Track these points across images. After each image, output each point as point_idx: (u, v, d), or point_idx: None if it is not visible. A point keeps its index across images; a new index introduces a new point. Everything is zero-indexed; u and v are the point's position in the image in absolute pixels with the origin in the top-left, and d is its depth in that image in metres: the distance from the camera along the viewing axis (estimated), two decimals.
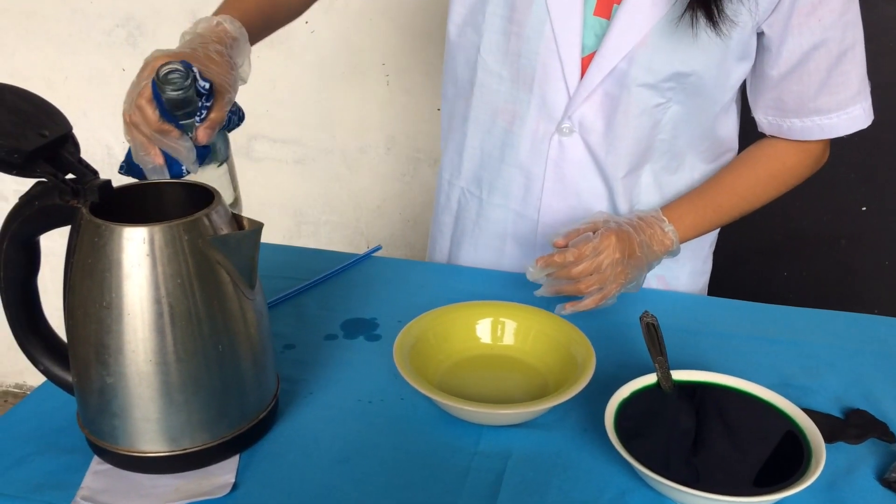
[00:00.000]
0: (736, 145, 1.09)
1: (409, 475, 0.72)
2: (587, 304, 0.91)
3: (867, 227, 1.64)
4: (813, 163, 1.04)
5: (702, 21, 0.86)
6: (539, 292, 0.92)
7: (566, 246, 0.90)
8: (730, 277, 1.31)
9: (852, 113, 0.97)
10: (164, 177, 0.79)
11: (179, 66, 0.74)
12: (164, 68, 0.74)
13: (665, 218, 0.97)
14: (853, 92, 0.96)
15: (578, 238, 0.90)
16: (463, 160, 1.09)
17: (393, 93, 1.84)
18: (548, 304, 0.92)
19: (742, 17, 0.89)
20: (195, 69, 0.76)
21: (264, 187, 2.03)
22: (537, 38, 0.94)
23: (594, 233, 0.91)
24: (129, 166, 0.81)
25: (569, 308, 0.91)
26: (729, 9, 0.86)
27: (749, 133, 1.07)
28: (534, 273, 0.91)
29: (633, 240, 0.92)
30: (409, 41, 1.78)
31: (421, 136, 1.87)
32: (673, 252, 0.98)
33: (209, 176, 0.82)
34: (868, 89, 0.98)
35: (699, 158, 1.05)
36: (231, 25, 0.86)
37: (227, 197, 0.84)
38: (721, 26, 0.86)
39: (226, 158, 0.84)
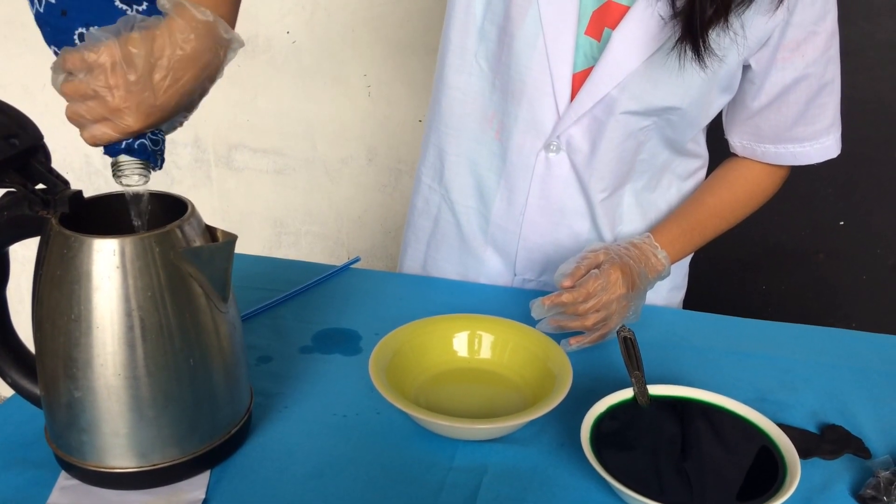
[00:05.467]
0: (706, 154, 1.11)
1: (384, 490, 0.71)
2: (593, 338, 0.91)
3: (845, 242, 1.66)
4: (780, 182, 1.08)
5: (689, 54, 0.86)
6: (540, 327, 0.91)
7: (572, 286, 0.90)
8: (708, 291, 1.31)
9: (825, 143, 1.00)
10: None
11: (141, 170, 0.69)
12: (123, 164, 0.69)
13: (657, 244, 0.99)
14: (828, 123, 0.99)
15: (584, 278, 0.90)
16: (445, 166, 1.09)
17: (375, 104, 1.84)
18: (525, 317, 0.92)
19: (728, 52, 0.90)
20: (153, 154, 0.70)
21: (245, 197, 2.02)
22: (529, 52, 0.94)
23: (598, 268, 0.91)
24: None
25: (574, 344, 0.91)
26: (715, 43, 0.87)
27: (717, 133, 1.08)
28: (539, 311, 0.90)
29: (634, 271, 0.93)
30: (392, 52, 1.78)
31: (402, 147, 1.87)
32: (663, 275, 0.99)
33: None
34: (839, 122, 1.01)
35: (675, 176, 1.07)
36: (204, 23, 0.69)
37: None
38: (706, 60, 0.87)
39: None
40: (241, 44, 0.73)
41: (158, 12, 0.70)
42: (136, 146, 0.69)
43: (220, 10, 0.74)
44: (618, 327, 0.91)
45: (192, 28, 0.68)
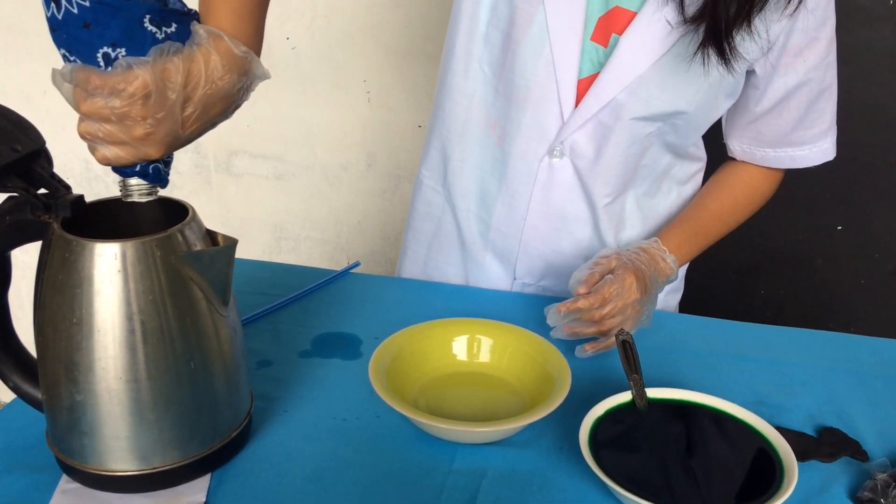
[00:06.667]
0: (705, 157, 1.12)
1: (384, 494, 0.71)
2: (609, 343, 0.91)
3: (843, 247, 1.66)
4: (777, 185, 1.09)
5: (713, 59, 0.87)
6: (555, 334, 0.92)
7: (588, 292, 0.90)
8: (708, 296, 1.32)
9: (822, 146, 1.02)
10: None
11: (150, 190, 0.70)
12: (133, 188, 0.69)
13: (665, 248, 1.00)
14: (826, 127, 1.01)
15: (600, 284, 0.90)
16: (448, 170, 1.09)
17: (374, 109, 1.84)
18: (525, 321, 0.92)
19: (752, 55, 0.91)
20: (164, 176, 0.70)
21: (245, 203, 2.03)
22: (535, 58, 0.95)
23: (611, 274, 0.91)
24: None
25: (589, 350, 0.91)
26: (741, 46, 0.87)
27: (716, 136, 1.09)
28: (554, 318, 0.90)
29: (646, 276, 0.94)
30: (391, 58, 1.79)
31: (402, 153, 1.87)
32: (671, 279, 1.00)
33: None
34: (835, 125, 1.02)
35: (675, 181, 1.08)
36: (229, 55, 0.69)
37: None
38: (733, 63, 0.87)
39: None
40: (268, 76, 0.73)
41: (188, 34, 0.69)
42: (150, 170, 0.69)
43: (251, 41, 0.73)
44: (633, 331, 0.92)
45: (227, 65, 0.68)
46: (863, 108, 1.51)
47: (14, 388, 0.73)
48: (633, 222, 1.07)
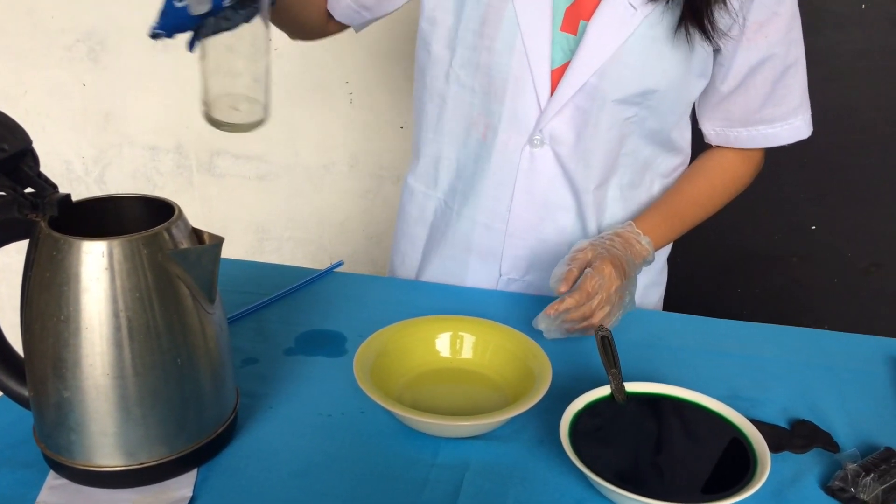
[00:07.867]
0: (688, 151, 1.14)
1: (368, 488, 0.72)
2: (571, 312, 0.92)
3: (817, 246, 1.69)
4: (755, 170, 1.11)
5: (696, 36, 0.91)
6: (550, 335, 0.92)
7: (569, 290, 0.91)
8: (685, 294, 1.34)
9: (794, 123, 1.04)
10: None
11: None
12: None
13: (640, 231, 1.01)
14: (795, 104, 1.03)
15: (581, 280, 0.91)
16: (440, 172, 1.11)
17: (356, 111, 1.85)
18: (506, 318, 0.94)
19: (732, 30, 0.94)
20: None
21: (227, 203, 2.03)
22: (509, 52, 0.97)
23: (590, 266, 0.93)
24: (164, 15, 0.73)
25: (552, 313, 0.90)
26: (721, 21, 0.91)
27: (701, 135, 1.12)
28: (546, 322, 0.91)
29: (623, 261, 0.95)
30: (373, 60, 1.80)
31: (384, 154, 1.88)
32: (649, 260, 1.02)
33: (241, 33, 0.77)
34: (808, 103, 1.05)
35: (658, 174, 1.10)
36: None
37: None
38: (714, 38, 0.91)
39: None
40: None
41: None
42: None
43: None
44: (619, 317, 0.93)
45: None
46: (835, 110, 1.54)
47: (0, 386, 0.73)
48: (614, 211, 1.08)
